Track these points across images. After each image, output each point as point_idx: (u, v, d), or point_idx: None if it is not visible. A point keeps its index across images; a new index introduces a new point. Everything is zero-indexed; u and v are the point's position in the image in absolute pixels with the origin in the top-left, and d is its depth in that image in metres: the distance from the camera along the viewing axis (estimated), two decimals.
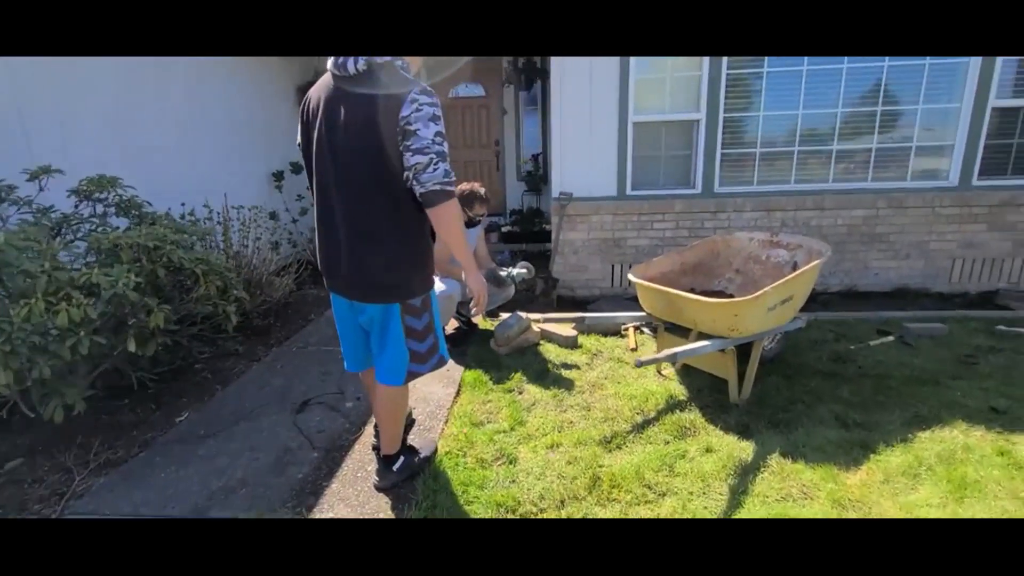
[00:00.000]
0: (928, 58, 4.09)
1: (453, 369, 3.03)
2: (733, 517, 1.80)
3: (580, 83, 4.26)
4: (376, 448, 2.14)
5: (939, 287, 4.46)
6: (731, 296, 3.00)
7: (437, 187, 1.52)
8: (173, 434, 2.42)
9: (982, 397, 2.50)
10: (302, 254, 5.21)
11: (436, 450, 2.23)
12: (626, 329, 3.54)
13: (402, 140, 1.51)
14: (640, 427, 2.39)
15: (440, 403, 2.65)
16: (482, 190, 3.30)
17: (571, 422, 2.46)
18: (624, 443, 2.28)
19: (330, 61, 1.63)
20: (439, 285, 3.22)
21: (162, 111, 3.79)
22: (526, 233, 6.67)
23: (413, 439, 2.33)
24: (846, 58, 4.11)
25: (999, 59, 3.99)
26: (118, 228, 2.69)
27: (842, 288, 4.49)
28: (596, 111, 4.30)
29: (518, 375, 2.92)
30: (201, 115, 4.20)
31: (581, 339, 3.37)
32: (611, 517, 1.83)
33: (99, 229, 2.61)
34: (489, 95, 7.38)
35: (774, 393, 2.61)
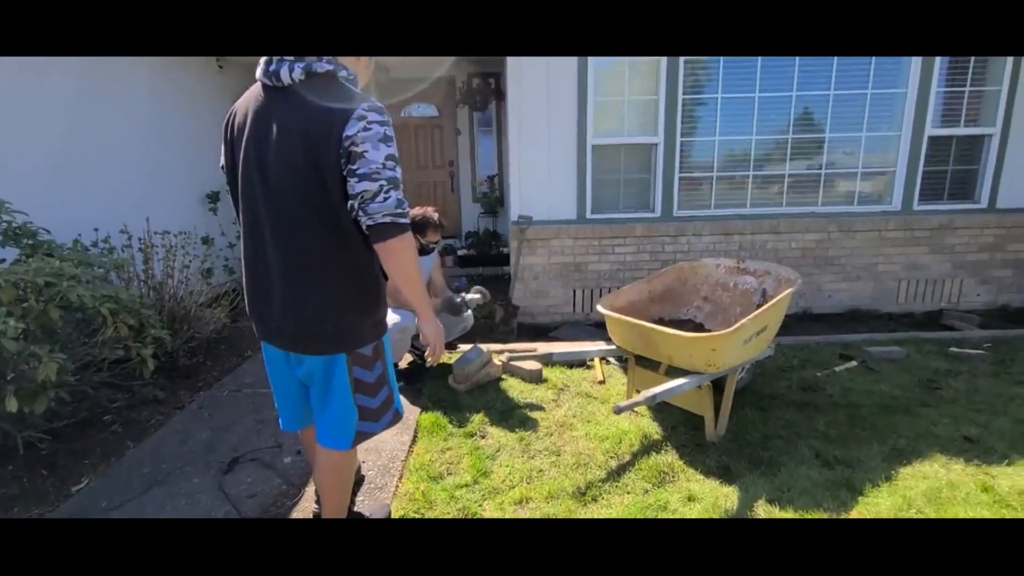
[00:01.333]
0: (870, 88, 4.24)
1: (408, 411, 2.74)
2: None
3: (538, 104, 4.14)
4: (318, 516, 1.83)
5: (888, 308, 4.57)
6: (700, 325, 2.89)
7: (388, 219, 1.29)
8: (66, 508, 2.01)
9: (952, 425, 2.47)
10: (239, 282, 4.78)
11: (389, 515, 1.94)
12: (591, 360, 3.37)
13: (346, 163, 1.26)
14: (616, 474, 2.19)
15: (393, 454, 2.35)
16: (435, 215, 3.07)
17: (540, 470, 2.23)
18: (600, 494, 2.07)
19: (259, 67, 1.34)
20: (391, 317, 2.94)
21: (73, 123, 3.36)
22: (483, 256, 6.47)
23: (362, 501, 2.03)
24: (795, 86, 4.20)
25: (933, 90, 4.18)
26: (3, 261, 2.27)
27: (798, 311, 4.53)
28: (554, 133, 4.18)
29: (479, 416, 2.67)
30: (124, 128, 3.77)
31: (546, 372, 3.17)
32: None
33: None
34: (442, 115, 7.20)
35: (750, 428, 2.48)
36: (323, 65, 1.30)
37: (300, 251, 1.35)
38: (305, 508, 2.00)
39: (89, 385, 2.54)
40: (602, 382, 3.06)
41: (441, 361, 3.42)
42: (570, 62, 4.06)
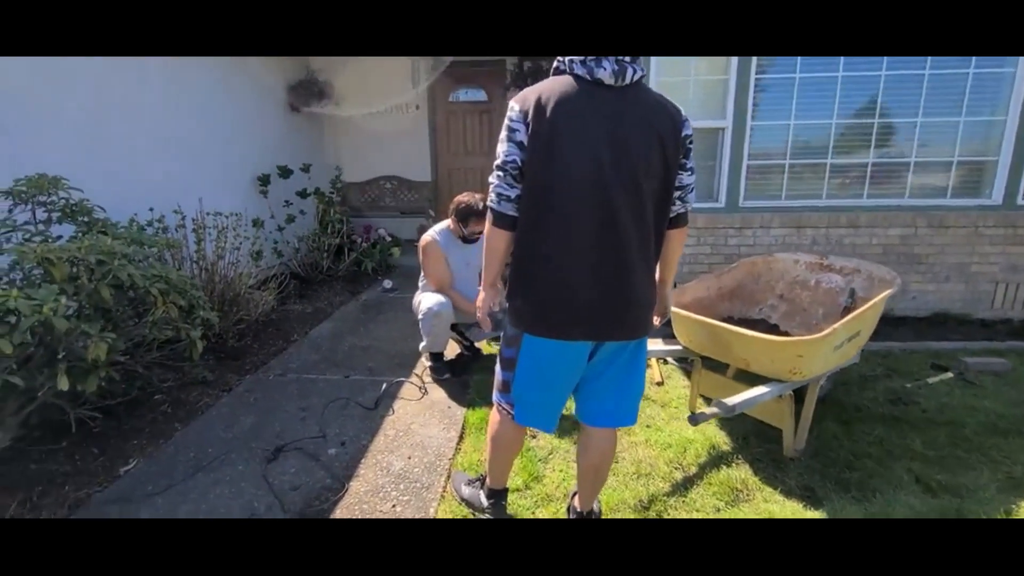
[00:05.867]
0: (972, 67, 3.77)
1: (454, 407, 2.62)
2: None
3: None
4: (581, 515, 1.77)
5: (981, 313, 4.11)
6: (775, 326, 2.62)
7: (690, 208, 1.52)
8: (114, 490, 1.99)
9: None
10: (288, 265, 4.79)
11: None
12: (648, 358, 3.15)
13: (683, 159, 1.43)
14: (682, 487, 1.98)
15: (440, 451, 2.23)
16: (481, 203, 2.84)
17: None
18: (665, 509, 1.87)
19: (584, 64, 1.33)
20: (431, 298, 2.82)
21: (135, 108, 3.38)
22: None
23: (407, 500, 1.92)
24: (885, 63, 3.78)
25: None
26: (60, 238, 2.27)
27: None
28: None
29: None
30: (177, 113, 3.79)
31: None
32: None
33: (33, 239, 2.18)
34: (491, 99, 7.03)
35: (834, 444, 2.22)
36: (641, 69, 1.38)
37: (644, 240, 1.40)
38: (349, 504, 1.90)
39: (140, 364, 2.54)
40: (660, 383, 2.84)
41: (487, 352, 3.31)
42: None
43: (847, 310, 2.40)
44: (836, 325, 1.89)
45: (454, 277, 2.99)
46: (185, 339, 2.44)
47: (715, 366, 2.47)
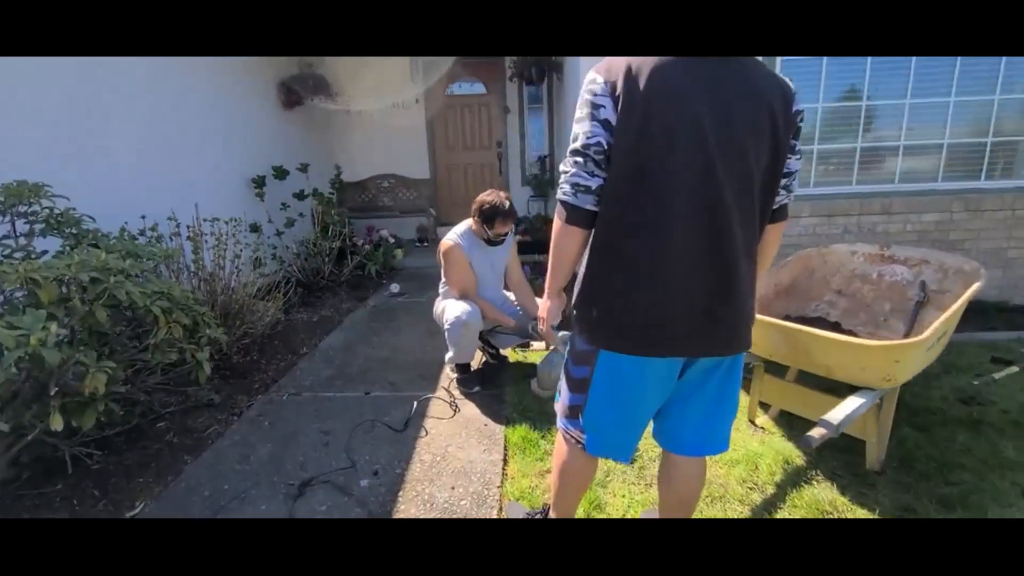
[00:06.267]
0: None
1: (491, 424, 2.39)
2: None
3: None
4: None
5: (1019, 299, 3.96)
6: (836, 324, 2.42)
7: (792, 199, 1.30)
8: None
9: None
10: (289, 272, 4.51)
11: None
12: None
13: (793, 140, 1.21)
14: (763, 511, 1.78)
15: (486, 478, 2.00)
16: (507, 202, 2.61)
17: None
18: None
19: None
20: (458, 307, 2.58)
21: (118, 109, 3.08)
22: (537, 243, 6.05)
23: None
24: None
25: None
26: (45, 253, 1.99)
27: None
28: None
29: None
30: (162, 113, 3.50)
31: None
32: None
33: (15, 255, 1.91)
34: (490, 92, 6.77)
35: (916, 452, 2.03)
36: None
37: (750, 236, 1.19)
38: None
39: (141, 390, 2.28)
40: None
41: (513, 359, 3.08)
42: None
43: (919, 305, 2.21)
44: (936, 324, 1.69)
45: (478, 282, 2.75)
46: (190, 361, 2.18)
47: (774, 369, 2.26)
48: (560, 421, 1.44)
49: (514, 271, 2.90)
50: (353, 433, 2.32)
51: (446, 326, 2.60)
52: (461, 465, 2.08)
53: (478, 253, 2.71)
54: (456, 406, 2.53)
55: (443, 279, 2.84)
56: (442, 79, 6.62)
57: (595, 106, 1.12)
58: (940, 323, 1.71)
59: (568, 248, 1.22)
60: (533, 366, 3.00)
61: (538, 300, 2.88)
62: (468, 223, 2.74)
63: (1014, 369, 2.67)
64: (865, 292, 2.41)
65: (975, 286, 1.92)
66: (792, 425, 2.25)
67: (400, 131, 6.67)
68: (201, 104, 3.88)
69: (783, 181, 1.22)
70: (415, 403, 2.52)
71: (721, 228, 1.13)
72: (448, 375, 2.86)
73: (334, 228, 4.80)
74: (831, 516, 1.74)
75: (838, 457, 2.03)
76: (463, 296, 2.68)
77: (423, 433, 2.31)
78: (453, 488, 1.94)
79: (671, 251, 1.13)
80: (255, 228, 4.12)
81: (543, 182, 6.65)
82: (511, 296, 2.96)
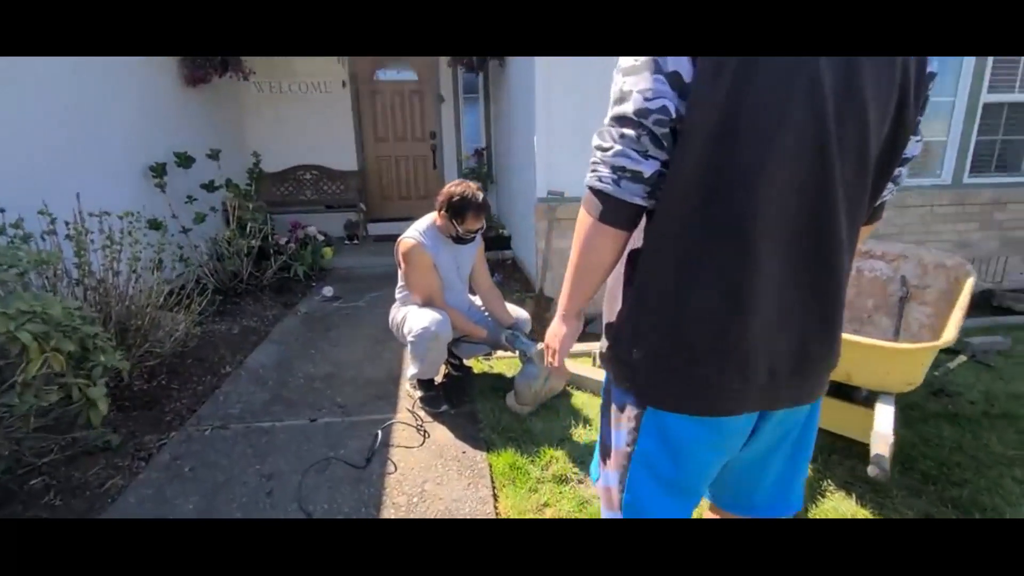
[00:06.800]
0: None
1: (469, 451, 2.07)
2: None
3: (568, 62, 3.45)
4: None
5: None
6: None
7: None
8: None
9: None
10: (200, 274, 3.85)
11: None
12: None
13: (921, 111, 0.88)
14: None
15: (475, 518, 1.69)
16: (479, 194, 2.27)
17: None
18: None
19: None
20: (425, 316, 2.24)
21: None
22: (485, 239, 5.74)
23: None
24: None
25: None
26: None
27: None
28: (591, 89, 3.52)
29: (563, 452, 2.04)
30: (32, 86, 2.79)
31: None
32: None
33: None
34: (422, 79, 6.34)
35: (911, 451, 1.99)
36: None
37: (852, 247, 0.87)
38: None
39: (7, 443, 1.71)
40: None
41: (478, 370, 2.77)
42: None
43: (903, 301, 2.20)
44: (953, 324, 1.62)
45: (442, 286, 2.42)
46: (78, 399, 1.67)
47: None
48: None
49: (481, 274, 2.58)
50: (305, 475, 1.90)
51: (410, 338, 2.24)
52: (444, 506, 1.75)
53: (443, 252, 2.37)
54: (424, 431, 2.19)
55: (400, 283, 2.47)
56: (370, 63, 6.11)
57: (659, 60, 0.77)
58: (957, 322, 1.65)
59: (599, 256, 0.88)
60: (501, 376, 2.72)
61: (517, 310, 2.61)
62: (430, 218, 2.39)
63: (963, 358, 2.80)
64: (849, 290, 2.38)
65: (970, 280, 1.90)
66: None
67: (324, 118, 6.07)
68: (82, 76, 3.17)
69: (897, 170, 0.90)
70: (379, 432, 2.13)
71: (829, 238, 0.82)
72: (408, 393, 2.50)
73: (254, 225, 4.19)
74: None
75: (844, 463, 1.94)
76: (427, 303, 2.33)
77: (391, 468, 1.95)
78: None
79: (762, 269, 0.81)
80: (156, 224, 3.45)
81: (481, 175, 6.35)
82: (476, 300, 2.65)
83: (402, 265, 2.34)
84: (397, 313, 2.45)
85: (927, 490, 1.79)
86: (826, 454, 1.97)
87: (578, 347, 3.02)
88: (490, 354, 2.86)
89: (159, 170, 3.84)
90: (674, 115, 0.76)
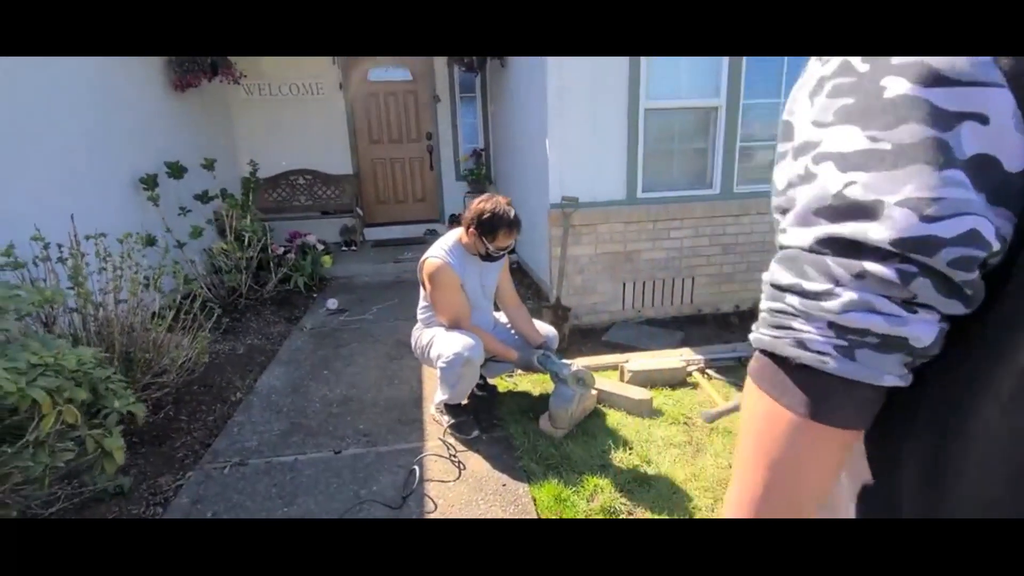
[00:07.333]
0: None
1: (509, 482, 1.97)
2: None
3: (582, 61, 3.34)
4: None
5: None
6: None
7: None
8: None
9: None
10: (198, 291, 3.67)
11: None
12: (690, 376, 2.74)
13: None
14: None
15: None
16: (511, 210, 2.14)
17: None
18: None
19: None
20: (457, 340, 2.13)
21: None
22: None
23: None
24: None
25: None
26: None
27: None
28: (600, 94, 3.41)
29: (607, 480, 1.95)
30: (14, 97, 2.60)
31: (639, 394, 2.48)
32: None
33: None
34: (417, 79, 6.18)
35: None
36: None
37: None
38: None
39: (12, 497, 1.57)
40: (735, 409, 2.43)
41: (503, 388, 2.65)
42: None
43: None
44: None
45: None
46: (93, 452, 1.53)
47: None
48: None
49: (508, 291, 2.47)
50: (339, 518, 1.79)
51: (440, 363, 2.12)
52: None
53: (470, 271, 2.26)
54: (460, 462, 2.08)
55: (422, 303, 2.35)
56: (363, 63, 5.92)
57: (953, 118, 0.35)
58: None
59: (806, 474, 0.46)
60: (527, 395, 2.62)
61: (544, 327, 2.49)
62: (455, 235, 2.27)
63: None
64: None
65: None
66: None
67: (317, 121, 5.89)
68: (66, 85, 2.97)
69: None
70: (415, 468, 2.01)
71: None
72: (435, 418, 2.39)
73: (256, 235, 4.01)
74: None
75: None
76: (455, 325, 2.22)
77: (429, 506, 1.84)
78: None
79: None
80: (150, 241, 3.27)
81: (480, 176, 6.22)
82: (501, 317, 2.54)
83: (427, 286, 2.23)
84: (422, 335, 2.33)
85: None
86: None
87: (604, 360, 2.94)
88: (512, 371, 2.76)
89: (150, 182, 3.64)
90: (996, 246, 0.36)
